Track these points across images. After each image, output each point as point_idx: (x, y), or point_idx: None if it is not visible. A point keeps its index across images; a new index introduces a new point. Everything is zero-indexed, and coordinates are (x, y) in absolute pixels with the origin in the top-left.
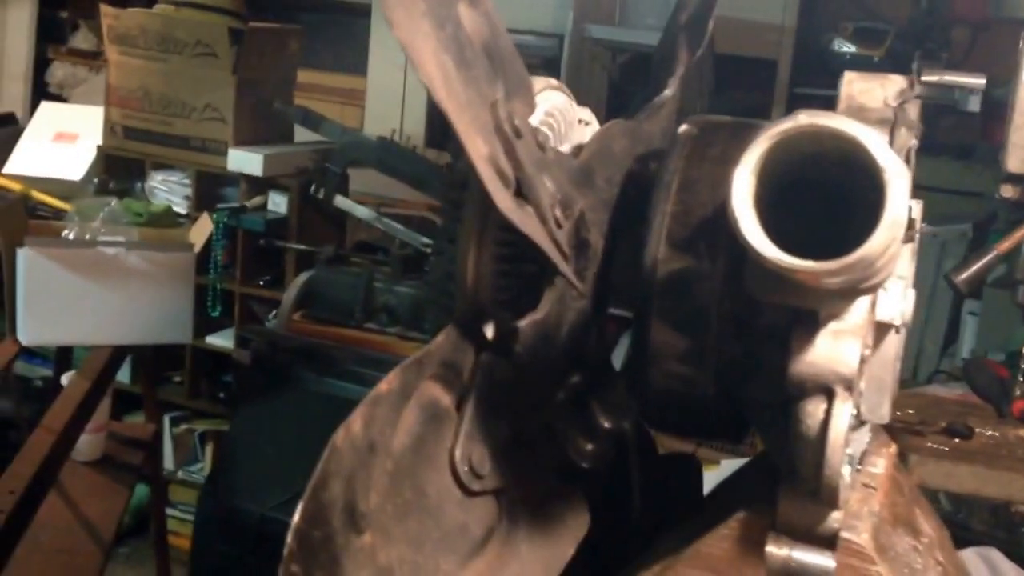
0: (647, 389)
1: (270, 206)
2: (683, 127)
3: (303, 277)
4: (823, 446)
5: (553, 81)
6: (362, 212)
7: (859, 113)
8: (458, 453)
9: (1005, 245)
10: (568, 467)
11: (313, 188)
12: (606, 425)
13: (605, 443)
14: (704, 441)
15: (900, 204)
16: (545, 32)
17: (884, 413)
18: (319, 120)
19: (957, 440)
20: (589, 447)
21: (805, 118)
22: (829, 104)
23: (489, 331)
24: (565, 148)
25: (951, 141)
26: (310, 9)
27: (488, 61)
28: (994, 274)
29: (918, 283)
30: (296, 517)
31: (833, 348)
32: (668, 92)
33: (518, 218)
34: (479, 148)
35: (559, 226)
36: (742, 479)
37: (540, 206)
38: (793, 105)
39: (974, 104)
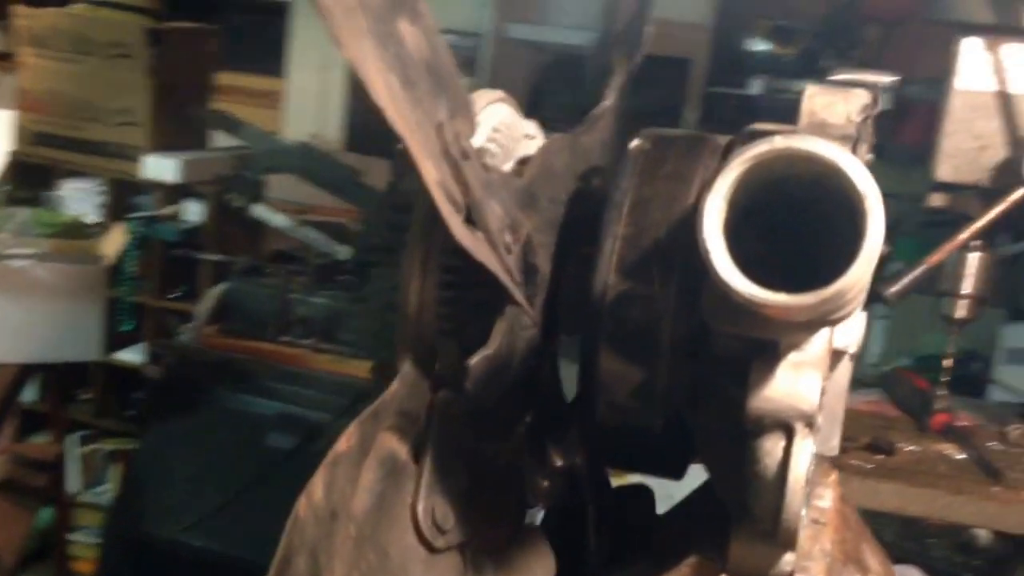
0: (595, 421)
1: (186, 215)
2: (634, 142)
3: (217, 289)
4: (782, 487)
5: (499, 93)
6: (280, 221)
7: (821, 129)
8: (420, 509)
9: (936, 257)
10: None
11: (229, 196)
12: (559, 463)
13: (559, 481)
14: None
15: (879, 234)
16: (463, 31)
17: (835, 444)
18: (239, 125)
19: (880, 456)
20: (545, 485)
21: (782, 141)
22: (741, 103)
23: (441, 368)
24: (509, 164)
25: None
26: (228, 9)
27: (430, 79)
28: None
29: None
30: None
31: (793, 382)
32: (607, 103)
33: (472, 245)
34: (431, 172)
35: (509, 251)
36: (688, 514)
37: (490, 231)
38: (708, 104)
39: (885, 103)
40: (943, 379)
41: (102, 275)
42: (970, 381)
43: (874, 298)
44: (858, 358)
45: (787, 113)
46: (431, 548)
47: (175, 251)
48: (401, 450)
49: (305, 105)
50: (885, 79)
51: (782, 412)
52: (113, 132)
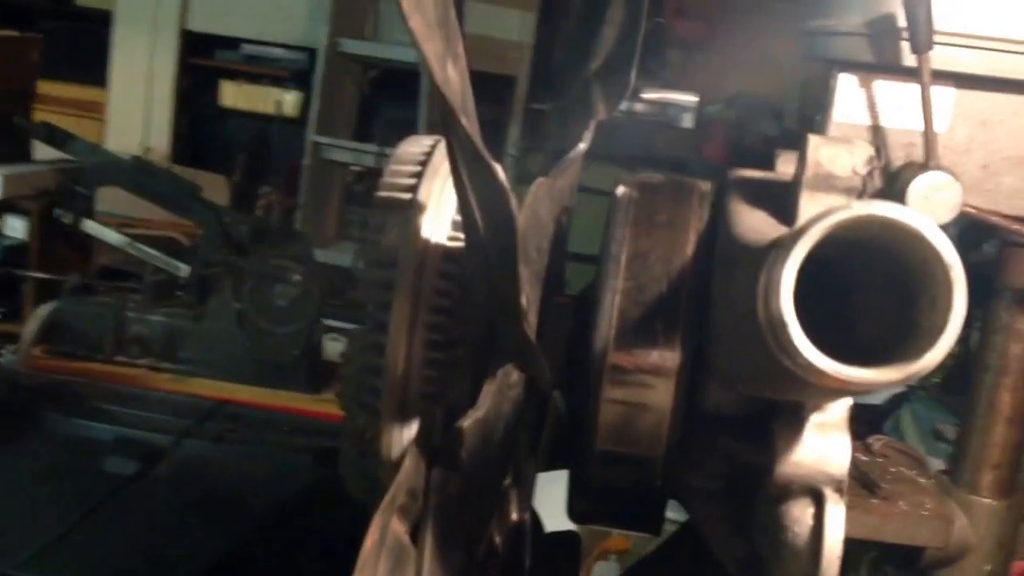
0: (587, 482)
1: (7, 231)
2: (620, 189)
3: (45, 309)
4: (817, 555)
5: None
6: (113, 238)
7: (828, 180)
8: None
9: None
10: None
11: (58, 211)
12: (514, 517)
13: (511, 536)
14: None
15: (964, 305)
16: (297, 45)
17: None
18: (66, 137)
19: None
20: (498, 541)
21: (863, 208)
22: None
23: (432, 437)
24: None
25: (667, 156)
26: (48, 15)
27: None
28: None
29: None
30: None
31: (821, 446)
32: (583, 146)
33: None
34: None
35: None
36: (673, 568)
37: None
38: (530, 120)
39: (688, 121)
40: None
41: None
42: None
43: None
44: None
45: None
46: None
47: None
48: (403, 532)
49: (130, 116)
50: (687, 99)
51: (811, 476)
52: None
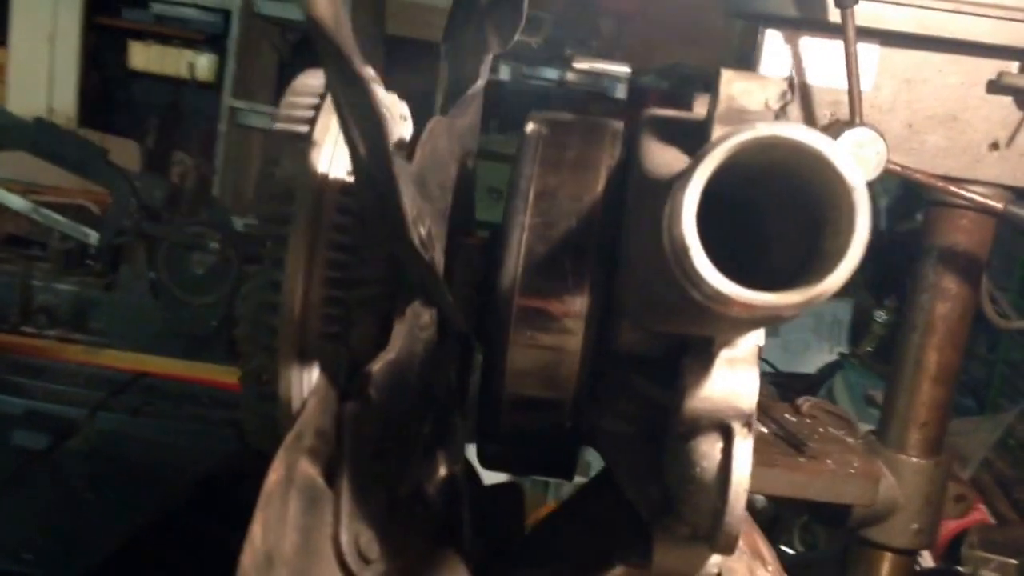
0: (494, 427)
1: None
2: (529, 126)
3: None
4: (724, 489)
5: (371, 71)
6: (17, 203)
7: (740, 115)
8: (343, 539)
9: None
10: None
11: None
12: (444, 471)
13: (442, 488)
14: (537, 477)
15: (867, 228)
16: (211, 6)
17: None
18: None
19: None
20: (431, 493)
21: (766, 128)
22: (493, 87)
23: (340, 377)
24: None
25: None
26: None
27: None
28: None
29: None
30: None
31: (730, 381)
32: (479, 84)
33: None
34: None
35: (424, 246)
36: (582, 513)
37: (406, 222)
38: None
39: (621, 91)
40: None
41: None
42: None
43: None
44: None
45: (535, 98)
46: None
47: None
48: (316, 474)
49: (32, 77)
50: (620, 69)
51: (721, 412)
52: None
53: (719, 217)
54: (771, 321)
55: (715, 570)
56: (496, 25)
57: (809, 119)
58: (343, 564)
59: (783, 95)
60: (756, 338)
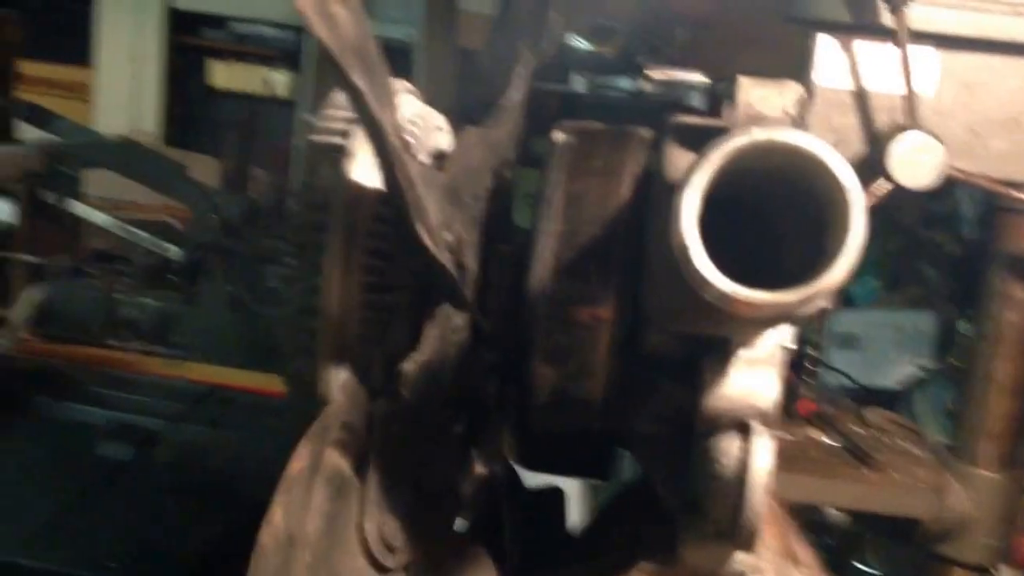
0: (527, 428)
1: None
2: (558, 136)
3: (34, 292)
4: (742, 486)
5: (408, 84)
6: (101, 219)
7: (758, 121)
8: (368, 528)
9: None
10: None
11: (44, 193)
12: (481, 471)
13: (480, 489)
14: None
15: (863, 227)
16: (283, 23)
17: None
18: (49, 117)
19: None
20: (468, 493)
21: (762, 133)
22: (565, 100)
23: (373, 377)
24: (423, 158)
25: None
26: None
27: (361, 65)
28: None
29: None
30: None
31: (749, 380)
32: (515, 94)
33: (430, 245)
34: (401, 166)
35: (450, 250)
36: (624, 516)
37: (431, 229)
38: (532, 100)
39: (697, 100)
40: (807, 366)
41: None
42: (800, 366)
43: None
44: None
45: (612, 110)
46: (381, 568)
47: None
48: (345, 466)
49: (117, 97)
50: (695, 77)
51: (739, 410)
52: None
53: (739, 220)
54: (780, 320)
55: (740, 568)
56: (530, 38)
57: (867, 125)
58: (367, 551)
59: (800, 100)
60: (776, 339)
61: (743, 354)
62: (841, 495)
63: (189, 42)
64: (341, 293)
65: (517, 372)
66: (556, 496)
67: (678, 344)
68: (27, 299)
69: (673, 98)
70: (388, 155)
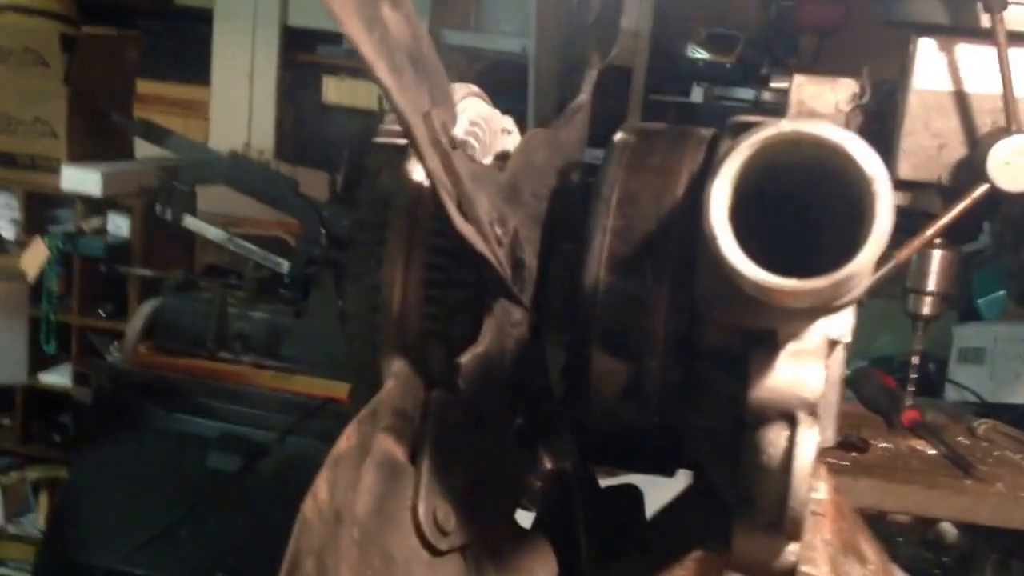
0: (586, 422)
1: (110, 229)
2: (618, 135)
3: (149, 305)
4: (788, 476)
5: (475, 88)
6: (214, 234)
7: (811, 118)
8: (421, 510)
9: (903, 254)
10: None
11: (159, 208)
12: (549, 465)
13: (550, 484)
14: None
15: (888, 217)
16: None
17: (829, 435)
18: (163, 134)
19: (854, 454)
20: (536, 487)
21: (789, 125)
22: (683, 111)
23: (431, 369)
24: (488, 159)
25: None
26: (148, 15)
27: (414, 67)
28: None
29: None
30: None
31: (795, 371)
32: (583, 97)
33: (472, 236)
34: (432, 160)
35: (500, 244)
36: (684, 510)
37: (480, 223)
38: (649, 112)
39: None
40: (912, 376)
41: (24, 294)
42: (926, 382)
43: None
44: None
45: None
46: (434, 551)
47: (100, 267)
48: (398, 451)
49: (233, 114)
50: None
51: (785, 401)
52: (27, 143)
53: (783, 213)
54: (820, 311)
55: (792, 558)
56: (597, 41)
57: (969, 127)
58: (420, 532)
59: (853, 97)
60: (822, 332)
61: (791, 347)
62: (941, 506)
63: (304, 58)
64: (402, 289)
65: (576, 366)
66: (632, 493)
67: (735, 339)
68: (142, 313)
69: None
70: (420, 149)
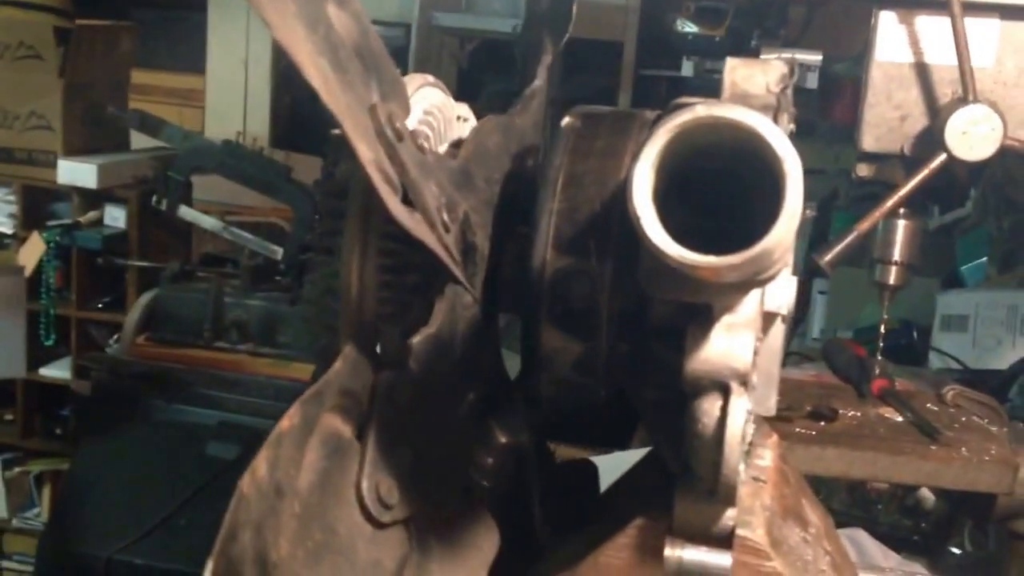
0: (538, 397)
1: (107, 221)
2: (565, 120)
3: (146, 297)
4: (720, 444)
5: (429, 78)
6: (208, 222)
7: (743, 100)
8: (365, 485)
9: (866, 224)
10: (472, 486)
11: (155, 199)
12: (503, 440)
13: (504, 458)
14: (594, 448)
15: (797, 197)
16: (390, 21)
17: (771, 405)
18: (158, 124)
19: (823, 423)
20: (489, 462)
21: (703, 109)
22: (674, 85)
23: (383, 350)
24: (443, 147)
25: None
26: (141, 5)
27: (361, 63)
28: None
29: None
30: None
31: (727, 343)
32: (537, 83)
33: (410, 224)
34: (366, 153)
35: (447, 230)
36: (635, 482)
37: (428, 211)
38: (640, 87)
39: (812, 81)
40: (880, 344)
41: (21, 287)
42: (909, 350)
43: (812, 270)
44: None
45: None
46: (377, 524)
47: (98, 259)
48: (345, 430)
49: (228, 102)
50: (810, 58)
51: (718, 372)
52: (23, 137)
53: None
54: (751, 285)
55: (731, 523)
56: (550, 28)
57: (930, 99)
58: (362, 506)
59: (783, 78)
60: (754, 303)
61: (725, 319)
62: (907, 471)
63: None
64: (359, 275)
65: (527, 344)
66: (588, 468)
67: (679, 314)
68: (139, 304)
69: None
70: (353, 143)
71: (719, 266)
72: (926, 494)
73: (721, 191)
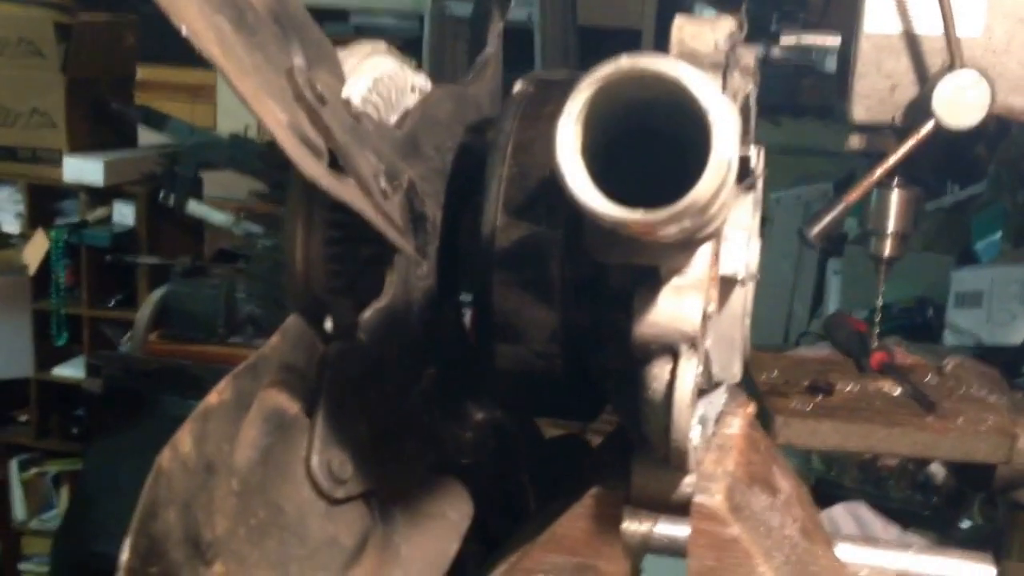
0: (495, 368)
1: (116, 218)
2: (517, 86)
3: (158, 293)
4: (669, 408)
5: (381, 45)
6: (218, 218)
7: (691, 58)
8: (315, 461)
9: (853, 195)
10: (446, 461)
11: (163, 195)
12: (479, 416)
13: (483, 434)
14: (558, 421)
15: (726, 146)
16: (404, 12)
17: (736, 371)
18: (164, 119)
19: (819, 397)
20: (468, 436)
21: (626, 61)
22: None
23: (329, 324)
24: (395, 116)
25: (812, 102)
26: None
27: (278, 27)
28: (855, 232)
29: (785, 245)
30: (125, 555)
31: (675, 306)
32: (489, 50)
33: (337, 189)
34: (276, 115)
35: (386, 197)
36: (599, 456)
37: (360, 176)
38: None
39: (831, 64)
40: (878, 318)
41: (26, 287)
42: (924, 327)
43: (800, 239)
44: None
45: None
46: (331, 499)
47: (107, 257)
48: (290, 406)
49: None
50: (828, 40)
51: (666, 336)
52: (27, 135)
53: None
54: (693, 243)
55: (689, 490)
56: None
57: (920, 68)
58: (313, 483)
59: (731, 35)
60: (703, 265)
61: (673, 282)
62: (902, 443)
63: None
64: (304, 248)
65: (481, 313)
66: (577, 442)
67: (630, 280)
68: (150, 301)
69: (804, 62)
70: (252, 106)
71: (648, 220)
72: (936, 469)
73: (666, 153)
